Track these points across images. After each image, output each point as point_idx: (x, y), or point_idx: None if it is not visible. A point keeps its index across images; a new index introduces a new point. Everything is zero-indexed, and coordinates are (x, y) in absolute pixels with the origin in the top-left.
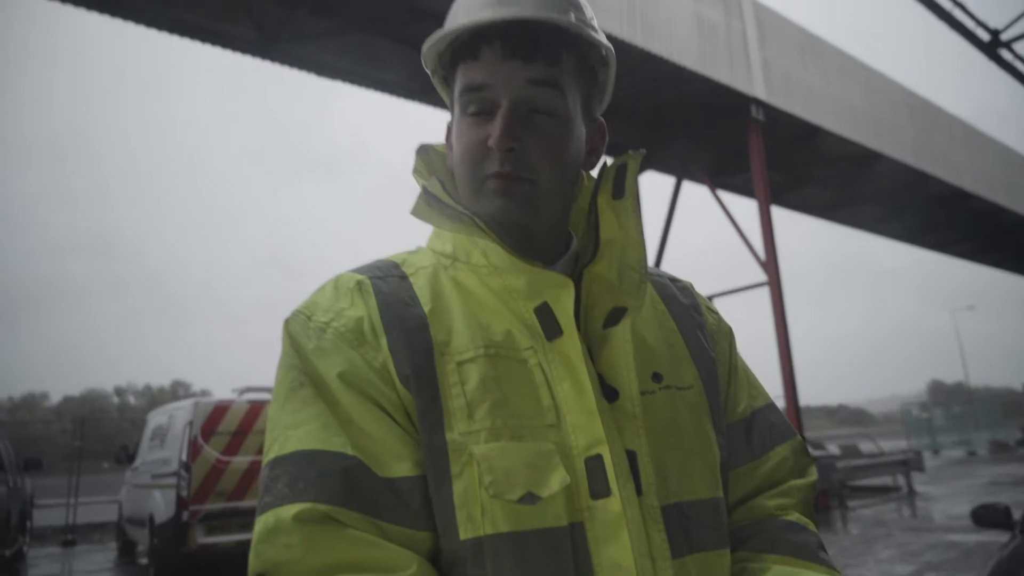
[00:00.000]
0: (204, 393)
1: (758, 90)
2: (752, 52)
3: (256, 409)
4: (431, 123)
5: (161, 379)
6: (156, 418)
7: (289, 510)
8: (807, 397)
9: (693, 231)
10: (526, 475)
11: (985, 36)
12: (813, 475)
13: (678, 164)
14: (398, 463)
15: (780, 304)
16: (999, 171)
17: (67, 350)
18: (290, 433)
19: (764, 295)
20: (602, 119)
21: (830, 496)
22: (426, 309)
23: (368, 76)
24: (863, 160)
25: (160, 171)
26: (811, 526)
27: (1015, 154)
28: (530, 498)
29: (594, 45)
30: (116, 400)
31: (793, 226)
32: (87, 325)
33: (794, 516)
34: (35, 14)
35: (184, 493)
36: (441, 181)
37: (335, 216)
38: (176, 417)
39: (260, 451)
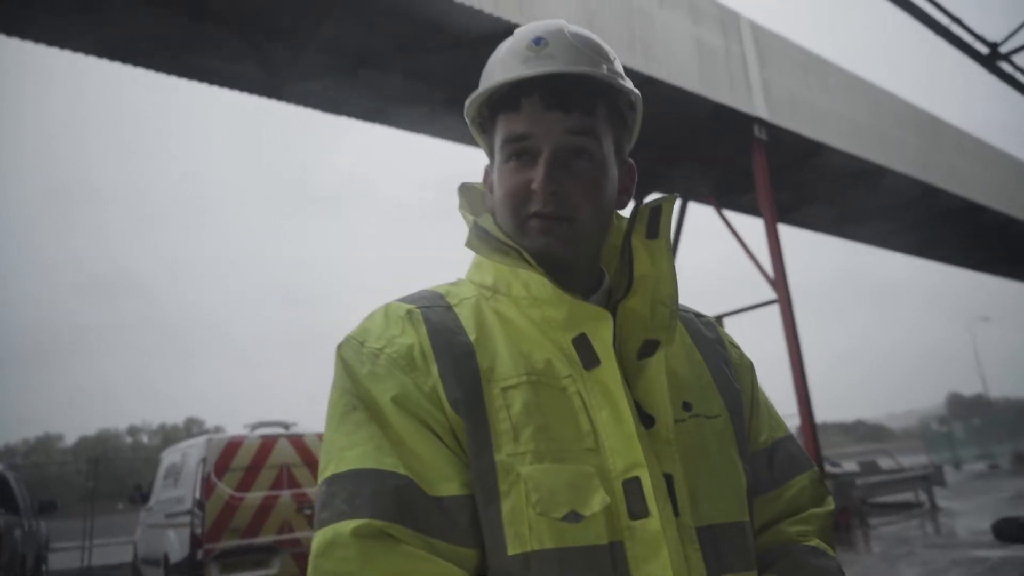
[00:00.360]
0: (217, 429)
1: (760, 110)
2: (752, 73)
3: (268, 444)
4: (432, 157)
5: (175, 417)
6: (169, 457)
7: (347, 525)
8: (823, 414)
9: (699, 251)
10: (569, 495)
11: (984, 49)
12: (831, 505)
13: (683, 185)
14: (446, 483)
15: (791, 321)
16: (1009, 182)
17: (81, 392)
18: (345, 453)
19: (774, 312)
20: (631, 161)
21: (850, 514)
22: (472, 337)
23: (375, 111)
24: (870, 175)
25: (166, 213)
26: (831, 552)
27: (1021, 164)
28: (574, 516)
29: (623, 93)
30: (130, 440)
31: (800, 241)
32: (101, 367)
33: (815, 542)
34: (38, 60)
35: (198, 531)
36: (493, 215)
37: (339, 248)
38: (189, 455)
39: (273, 486)
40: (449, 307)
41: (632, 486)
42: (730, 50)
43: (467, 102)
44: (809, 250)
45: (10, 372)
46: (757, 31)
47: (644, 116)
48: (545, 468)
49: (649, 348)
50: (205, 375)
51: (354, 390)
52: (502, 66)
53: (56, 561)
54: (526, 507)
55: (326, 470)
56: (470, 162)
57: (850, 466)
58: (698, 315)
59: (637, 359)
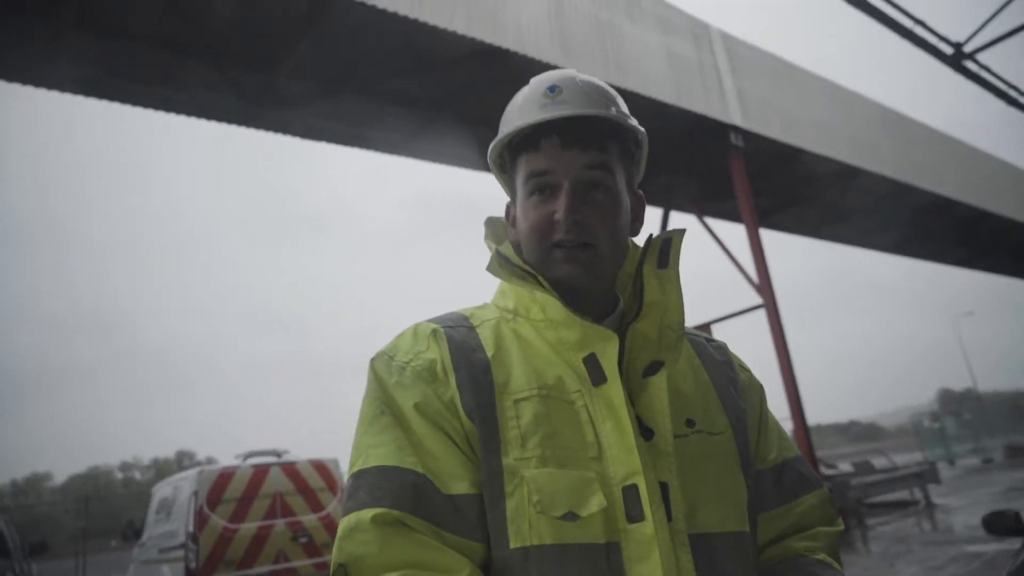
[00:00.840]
0: (209, 461)
1: (735, 117)
2: (726, 82)
3: (260, 474)
4: (408, 176)
5: (166, 451)
6: (161, 490)
7: (368, 513)
8: (816, 416)
9: (683, 260)
10: (569, 497)
11: (948, 50)
12: (840, 525)
13: (664, 196)
14: (458, 482)
15: (778, 325)
16: (982, 177)
17: (71, 428)
18: (371, 452)
19: (761, 317)
20: (641, 192)
21: (847, 515)
22: (489, 355)
23: (352, 135)
24: (846, 177)
25: (153, 246)
26: (838, 566)
27: (995, 160)
28: (571, 516)
29: (631, 131)
30: (121, 476)
31: (784, 247)
32: (90, 402)
33: (822, 555)
34: (18, 98)
35: (192, 565)
36: (515, 245)
37: (324, 272)
38: (181, 488)
39: (267, 516)
40: (472, 327)
41: (631, 492)
42: (703, 60)
43: (491, 146)
44: (793, 258)
45: None
46: (728, 41)
47: None
48: (548, 472)
49: (654, 368)
50: (196, 407)
51: (383, 397)
52: (520, 113)
53: None
54: (528, 506)
55: (354, 466)
56: (447, 181)
57: (845, 467)
58: (709, 339)
59: (642, 377)
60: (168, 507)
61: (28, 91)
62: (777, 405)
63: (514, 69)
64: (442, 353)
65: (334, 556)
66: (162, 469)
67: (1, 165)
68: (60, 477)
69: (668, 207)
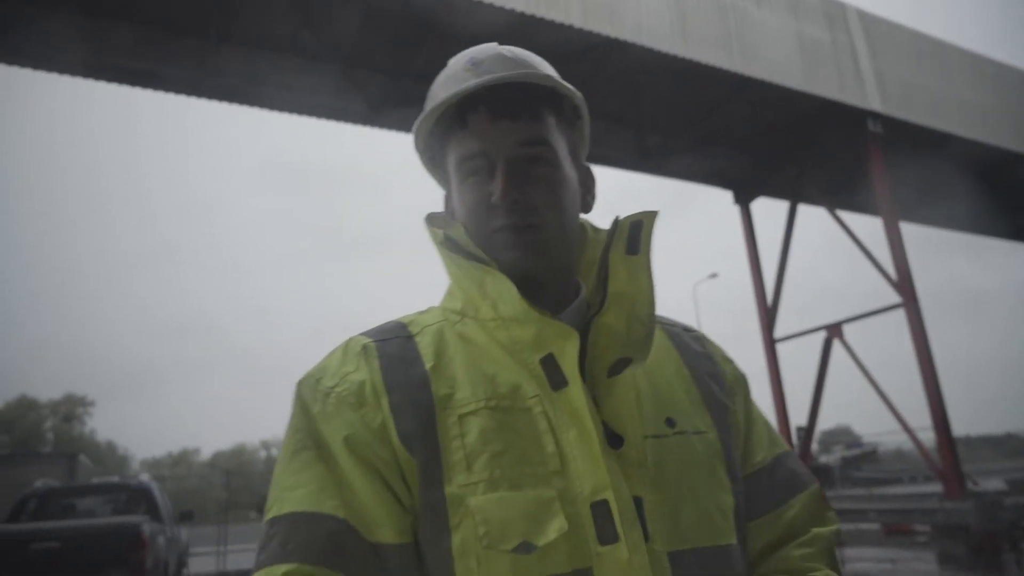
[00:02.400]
0: None
1: (873, 103)
2: (863, 64)
3: None
4: None
5: None
6: None
7: (278, 570)
8: (964, 427)
9: (806, 256)
10: (522, 524)
11: None
12: (835, 523)
13: (791, 187)
14: (383, 530)
15: (919, 326)
16: None
17: (217, 409)
18: (288, 495)
19: (899, 317)
20: (588, 164)
21: (997, 538)
22: (428, 366)
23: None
24: (1005, 165)
25: (236, 260)
26: None
27: None
28: (525, 547)
29: (567, 97)
30: (263, 453)
31: (927, 239)
32: (236, 387)
33: (823, 572)
34: (135, 103)
35: None
36: (465, 227)
37: (388, 287)
38: None
39: None
40: (409, 337)
41: (601, 509)
42: (837, 42)
43: (413, 131)
44: (936, 250)
45: (150, 393)
46: (866, 20)
47: (745, 118)
48: (498, 497)
49: (620, 366)
50: None
51: (306, 428)
52: (443, 88)
53: (195, 565)
54: (474, 540)
55: (270, 511)
56: None
57: (997, 484)
58: (687, 329)
59: (607, 377)
60: None
61: (144, 95)
62: (918, 413)
63: (633, 61)
64: (372, 373)
65: None
66: None
67: (117, 186)
68: (207, 452)
69: (796, 200)
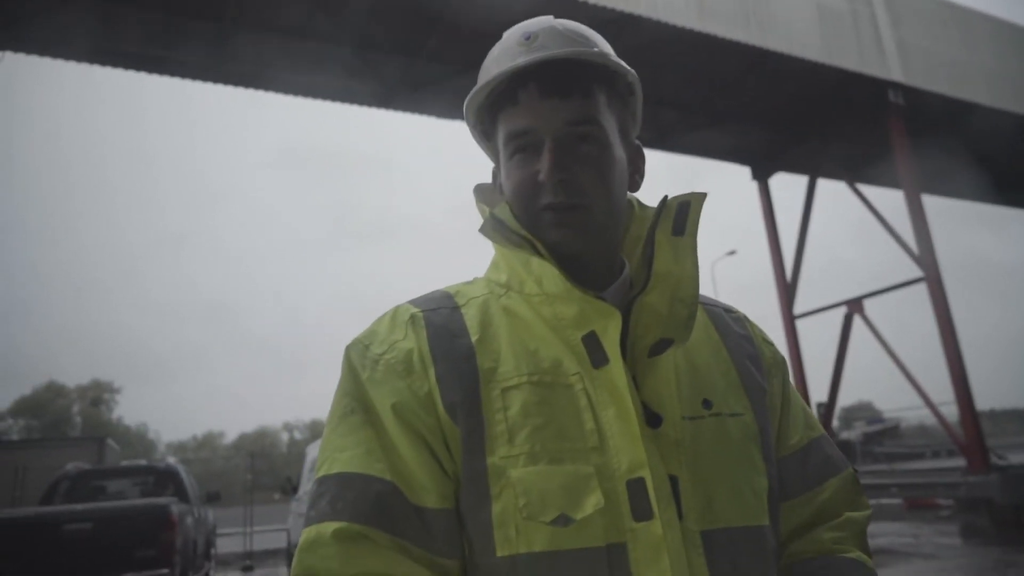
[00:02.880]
0: None
1: (895, 73)
2: (884, 33)
3: None
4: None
5: (323, 413)
6: (313, 451)
7: (328, 527)
8: (992, 400)
9: (826, 232)
10: (561, 498)
11: None
12: (868, 508)
13: (810, 161)
14: (427, 494)
15: (942, 300)
16: None
17: (241, 392)
18: (337, 455)
19: (920, 291)
20: (638, 142)
21: (1022, 512)
22: (474, 339)
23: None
24: None
25: (253, 246)
26: (870, 564)
27: None
28: (563, 520)
29: (620, 75)
30: (286, 436)
31: (950, 212)
32: (258, 370)
33: (855, 553)
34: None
35: None
36: (511, 204)
37: (409, 271)
38: None
39: None
40: (456, 308)
41: (636, 487)
42: (857, 12)
43: (465, 105)
44: (959, 223)
45: (174, 377)
46: None
47: (763, 92)
48: (538, 470)
49: (662, 346)
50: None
51: (355, 392)
52: (496, 63)
53: (222, 545)
54: (515, 511)
55: (319, 469)
56: None
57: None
58: (728, 310)
59: (648, 357)
60: None
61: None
62: (941, 387)
63: (648, 36)
64: (420, 342)
65: (294, 568)
66: (317, 430)
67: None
68: (231, 435)
69: (815, 174)
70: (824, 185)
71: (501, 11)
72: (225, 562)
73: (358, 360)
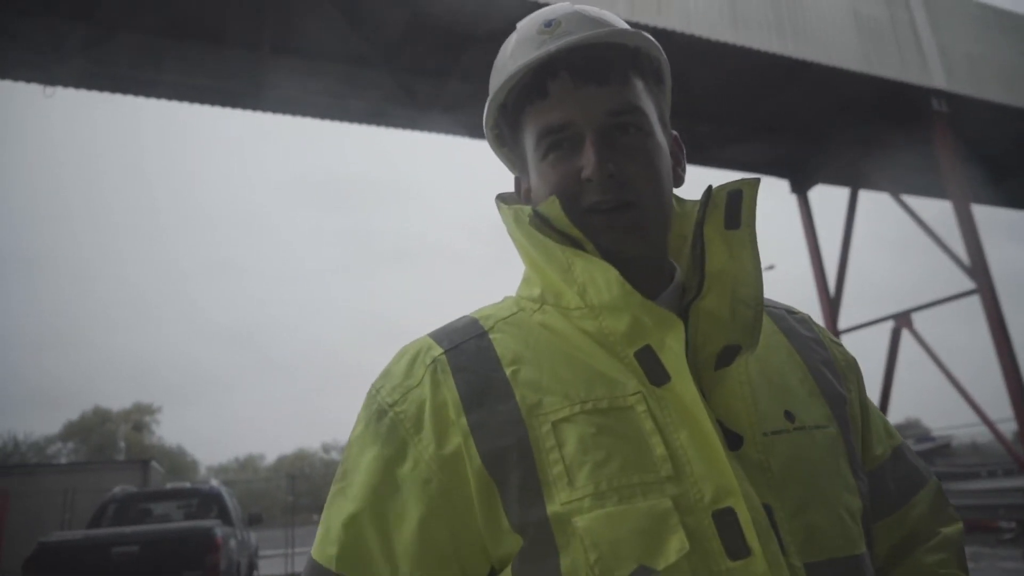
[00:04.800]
0: None
1: (937, 80)
2: (925, 40)
3: None
4: (477, 206)
5: None
6: None
7: None
8: None
9: (869, 244)
10: (636, 545)
11: None
12: (958, 520)
13: (851, 173)
14: None
15: (996, 311)
16: None
17: (277, 414)
18: (321, 530)
19: (972, 304)
20: (675, 132)
21: None
22: (508, 371)
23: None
24: None
25: (284, 271)
26: None
27: None
28: (643, 572)
29: (652, 58)
30: (324, 456)
31: (1000, 230)
32: (294, 393)
33: None
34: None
35: None
36: (560, 203)
37: (412, 298)
38: None
39: None
40: (483, 334)
41: (726, 519)
42: (896, 18)
43: (486, 110)
44: (1012, 234)
45: (213, 400)
46: None
47: (800, 103)
48: (607, 514)
49: (728, 356)
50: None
51: (348, 452)
52: (514, 55)
53: (264, 567)
54: (586, 568)
55: None
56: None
57: None
58: (790, 311)
59: (715, 369)
60: None
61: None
62: (996, 403)
63: (681, 50)
64: (444, 391)
65: None
66: None
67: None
68: (271, 458)
69: (857, 186)
70: (866, 196)
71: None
72: None
73: (366, 407)
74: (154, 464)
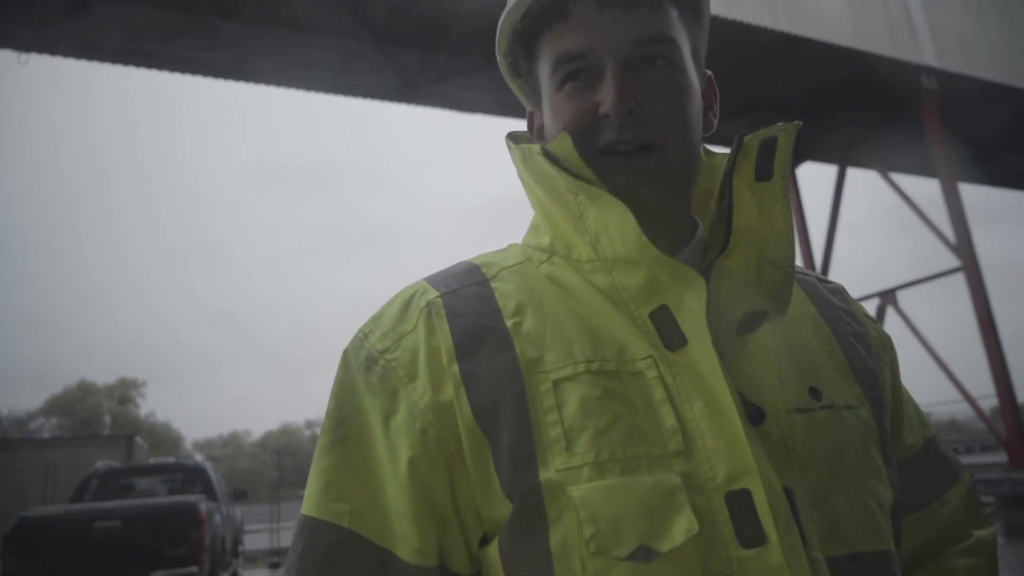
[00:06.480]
0: None
1: (927, 57)
2: (916, 16)
3: None
4: (459, 191)
5: None
6: None
7: None
8: None
9: (856, 222)
10: (640, 523)
11: None
12: (991, 523)
13: (840, 150)
14: (404, 541)
15: (980, 289)
16: None
17: (264, 392)
18: (310, 487)
19: (957, 282)
20: (710, 72)
21: None
22: (509, 322)
23: (506, 105)
24: None
25: (261, 255)
26: None
27: None
28: (643, 553)
29: None
30: (308, 433)
31: (988, 214)
32: (278, 370)
33: None
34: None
35: None
36: (571, 139)
37: (403, 276)
38: None
39: None
40: (484, 281)
41: (740, 501)
42: None
43: (498, 32)
44: (999, 217)
45: (199, 377)
46: None
47: (790, 79)
48: (607, 486)
49: (753, 321)
50: None
51: (337, 397)
52: None
53: (250, 542)
54: (579, 542)
55: None
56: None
57: None
58: (822, 280)
59: (737, 335)
60: None
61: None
62: (978, 382)
63: None
64: (438, 337)
65: None
66: None
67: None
68: (257, 433)
69: (844, 163)
70: (854, 174)
71: None
72: (253, 559)
73: (352, 354)
74: (138, 439)
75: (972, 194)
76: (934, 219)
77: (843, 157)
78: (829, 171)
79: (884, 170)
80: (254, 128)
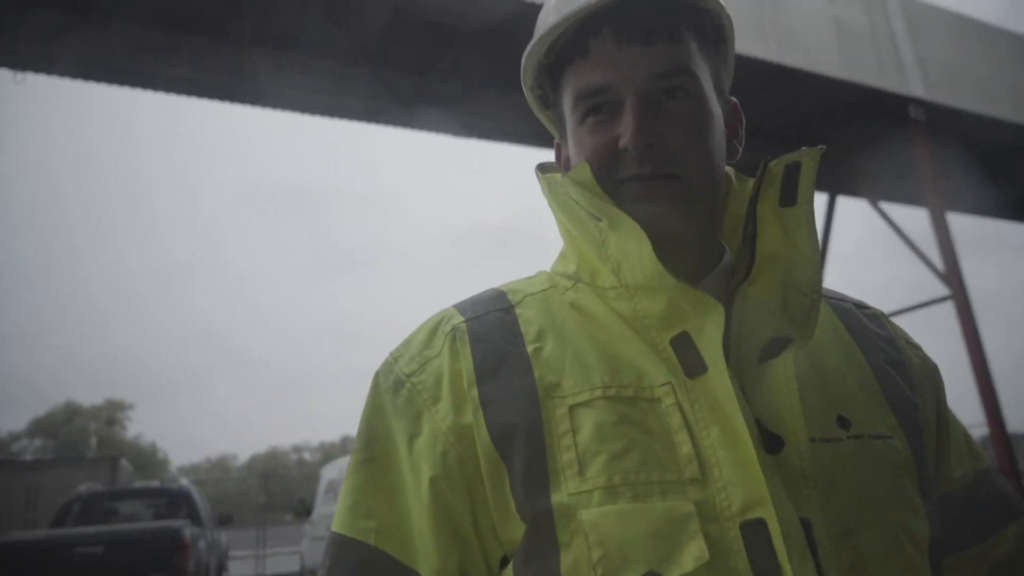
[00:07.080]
0: None
1: (915, 89)
2: (903, 49)
3: None
4: (440, 216)
5: (331, 435)
6: (328, 472)
7: None
8: (1019, 424)
9: (846, 251)
10: (648, 548)
11: None
12: None
13: (830, 179)
14: (426, 561)
15: (969, 318)
16: None
17: (247, 415)
18: (340, 505)
19: (946, 311)
20: (735, 100)
21: None
22: (530, 348)
23: (501, 131)
24: None
25: (251, 275)
26: None
27: None
28: None
29: (711, 13)
30: (295, 457)
31: (979, 244)
32: (265, 392)
33: None
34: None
35: None
36: (591, 167)
37: (388, 297)
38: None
39: None
40: (509, 308)
41: (754, 531)
42: (876, 27)
43: (523, 66)
44: (990, 247)
45: (185, 400)
46: (906, 3)
47: (779, 109)
48: (618, 510)
49: (776, 347)
50: (354, 399)
51: (367, 420)
52: (556, 12)
53: (235, 568)
54: (587, 567)
55: None
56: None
57: None
58: (859, 305)
59: (759, 362)
60: (335, 489)
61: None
62: (968, 411)
63: None
64: (460, 360)
65: None
66: (328, 452)
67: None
68: (243, 457)
69: (835, 191)
70: (844, 203)
71: (515, 24)
72: None
73: (382, 377)
74: (124, 462)
75: (962, 224)
76: (923, 248)
77: (833, 185)
78: (820, 199)
79: (874, 199)
80: (247, 147)
